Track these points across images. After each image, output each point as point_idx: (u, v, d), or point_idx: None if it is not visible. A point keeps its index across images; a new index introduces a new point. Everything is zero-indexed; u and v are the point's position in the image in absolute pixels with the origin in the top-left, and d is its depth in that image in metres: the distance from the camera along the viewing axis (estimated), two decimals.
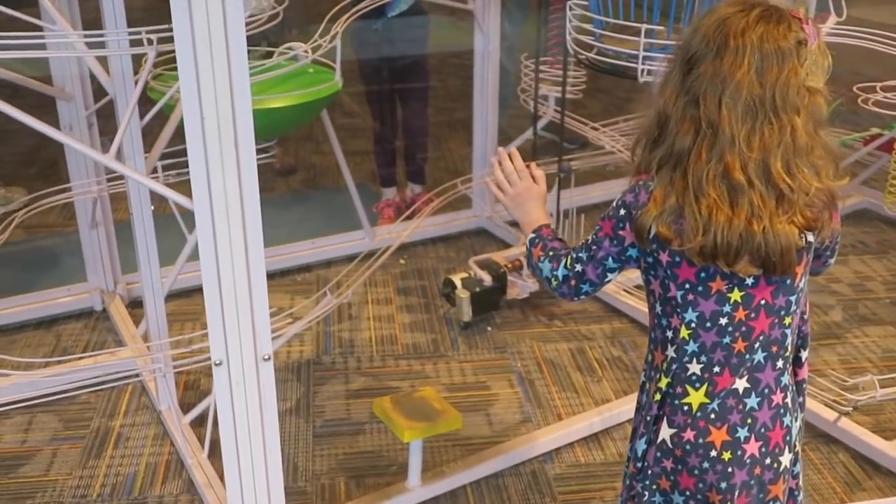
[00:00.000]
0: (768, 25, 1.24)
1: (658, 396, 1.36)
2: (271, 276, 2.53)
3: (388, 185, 3.62)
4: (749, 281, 1.30)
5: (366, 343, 2.80)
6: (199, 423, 2.33)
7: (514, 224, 2.95)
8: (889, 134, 3.23)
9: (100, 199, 2.75)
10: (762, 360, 1.34)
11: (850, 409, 2.27)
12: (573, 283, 1.42)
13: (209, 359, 2.03)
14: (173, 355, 2.19)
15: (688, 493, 1.37)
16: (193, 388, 2.57)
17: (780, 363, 1.35)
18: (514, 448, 2.28)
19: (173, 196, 1.51)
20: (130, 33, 1.90)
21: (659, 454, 1.37)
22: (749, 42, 1.23)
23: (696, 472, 1.35)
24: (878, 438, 2.29)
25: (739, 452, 1.33)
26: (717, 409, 1.33)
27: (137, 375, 2.49)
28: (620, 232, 1.34)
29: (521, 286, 2.94)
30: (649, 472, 1.39)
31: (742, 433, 1.33)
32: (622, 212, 1.33)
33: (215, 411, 1.61)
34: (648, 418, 1.38)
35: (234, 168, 1.44)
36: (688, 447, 1.34)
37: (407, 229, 2.98)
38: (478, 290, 2.82)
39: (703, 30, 1.27)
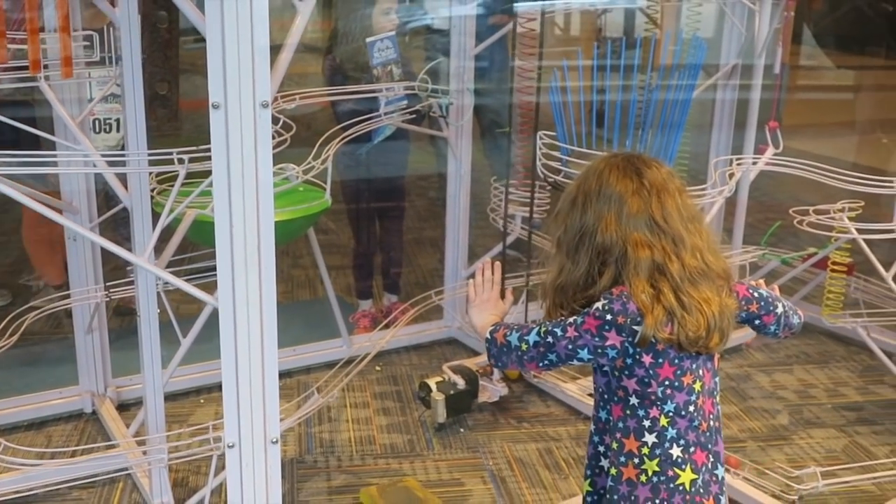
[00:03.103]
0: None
1: (644, 479, 1.56)
2: None
3: (364, 298, 3.83)
4: (701, 371, 1.56)
5: (346, 443, 2.96)
6: None
7: None
8: (822, 252, 3.54)
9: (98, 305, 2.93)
10: (715, 435, 1.59)
11: (796, 498, 2.48)
12: (542, 349, 1.59)
13: (210, 451, 2.21)
14: (172, 447, 2.34)
15: None
16: (182, 485, 2.69)
17: (721, 435, 1.62)
18: None
19: (203, 296, 1.71)
20: (151, 153, 2.13)
21: None
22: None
23: None
24: None
25: None
26: (702, 482, 1.57)
27: (127, 471, 2.62)
28: (605, 333, 1.53)
29: (492, 390, 3.14)
30: None
31: (722, 500, 1.58)
32: (609, 317, 1.53)
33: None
34: (633, 498, 1.57)
35: (256, 271, 1.66)
36: None
37: (385, 336, 3.18)
38: (452, 392, 3.01)
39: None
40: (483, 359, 3.30)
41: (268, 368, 1.71)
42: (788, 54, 3.64)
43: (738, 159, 3.29)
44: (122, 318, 3.69)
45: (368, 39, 3.42)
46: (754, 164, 3.34)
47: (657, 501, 1.55)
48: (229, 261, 1.63)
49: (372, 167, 3.50)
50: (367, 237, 3.78)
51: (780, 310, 1.71)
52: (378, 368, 3.48)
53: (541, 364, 1.62)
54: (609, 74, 3.01)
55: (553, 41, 3.16)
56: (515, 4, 3.25)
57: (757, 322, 1.70)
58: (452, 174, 3.63)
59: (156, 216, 2.45)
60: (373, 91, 3.25)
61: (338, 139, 2.95)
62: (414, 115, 3.34)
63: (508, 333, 1.66)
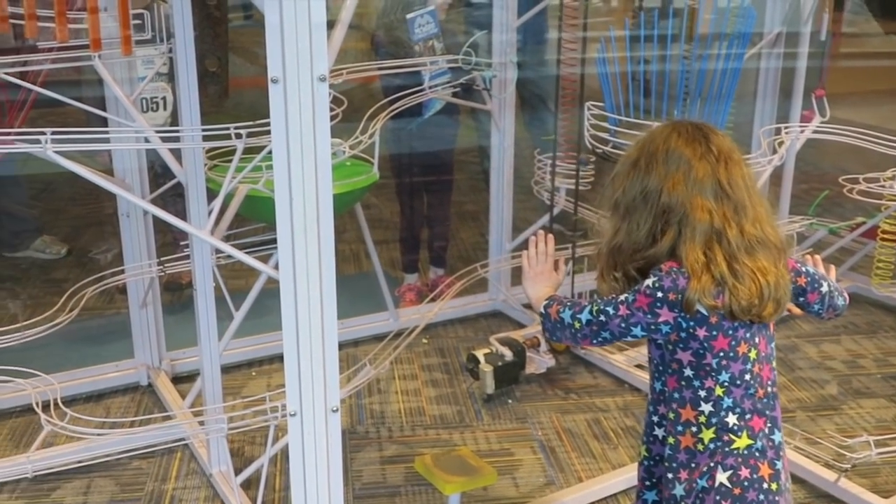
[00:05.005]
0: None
1: (702, 447, 1.58)
2: None
3: (410, 271, 3.87)
4: (756, 339, 1.57)
5: (396, 414, 3.00)
6: (245, 487, 2.51)
7: (529, 306, 3.19)
8: (872, 221, 3.50)
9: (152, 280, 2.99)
10: (772, 401, 1.60)
11: (849, 467, 2.48)
12: (595, 328, 1.61)
13: (267, 421, 2.26)
14: (230, 417, 2.39)
15: None
16: (237, 454, 2.75)
17: (779, 400, 1.63)
18: None
19: (263, 268, 1.75)
20: (206, 129, 2.17)
21: (718, 497, 1.56)
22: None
23: None
24: (877, 497, 2.48)
25: (780, 481, 1.58)
26: (759, 447, 1.57)
27: (185, 441, 2.68)
28: (657, 310, 1.54)
29: (539, 362, 3.16)
30: None
31: (779, 465, 1.58)
32: (660, 294, 1.54)
33: (266, 473, 1.80)
34: (693, 465, 1.59)
35: (315, 243, 1.69)
36: (745, 483, 1.56)
37: (433, 309, 3.21)
38: (500, 364, 3.04)
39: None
40: (530, 330, 3.33)
41: (328, 338, 1.75)
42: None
43: (785, 128, 3.26)
44: (173, 294, 3.75)
45: (409, 15, 3.44)
46: (801, 132, 3.31)
47: (712, 464, 1.57)
48: (289, 233, 1.67)
49: (420, 141, 3.52)
50: (413, 211, 3.80)
51: (824, 289, 1.71)
52: (425, 341, 3.52)
53: (594, 341, 1.64)
54: (652, 45, 2.99)
55: (593, 12, 3.13)
56: None
57: (801, 299, 1.70)
58: (496, 147, 3.64)
59: (209, 192, 2.50)
60: (416, 66, 3.27)
61: (384, 113, 2.97)
62: (458, 89, 3.35)
63: (562, 310, 1.67)
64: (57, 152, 1.89)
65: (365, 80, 3.53)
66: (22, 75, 2.49)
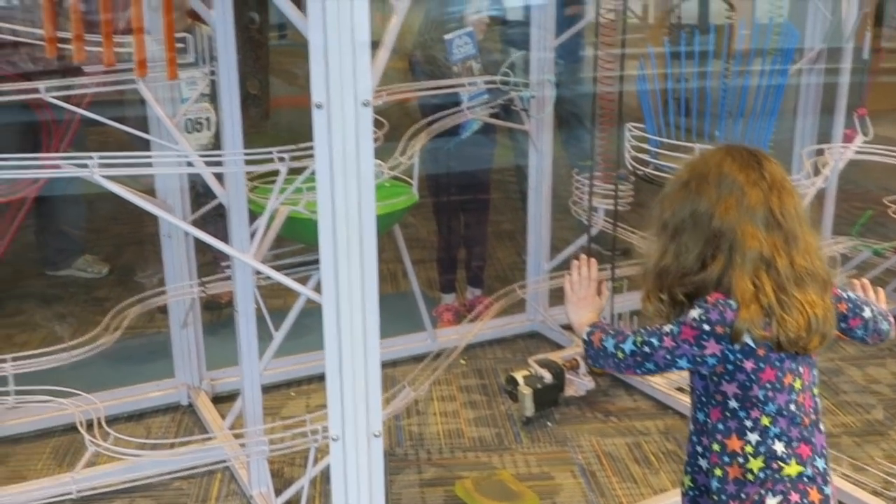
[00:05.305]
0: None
1: (751, 477, 1.55)
2: None
3: (448, 291, 3.86)
4: (801, 369, 1.56)
5: (434, 436, 2.99)
6: None
7: (568, 327, 3.17)
8: None
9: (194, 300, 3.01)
10: (815, 429, 1.58)
11: None
12: (639, 359, 1.59)
13: (308, 443, 2.25)
14: (271, 439, 2.39)
15: None
16: (277, 475, 2.75)
17: (822, 426, 1.61)
18: None
19: (306, 291, 1.75)
20: (248, 153, 2.19)
21: None
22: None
23: None
24: None
25: None
26: (808, 474, 1.55)
27: (226, 462, 2.69)
28: (704, 342, 1.53)
29: (578, 384, 3.13)
30: None
31: (827, 491, 1.56)
32: (706, 326, 1.52)
33: (307, 495, 1.80)
34: (743, 496, 1.56)
35: (358, 266, 1.69)
36: None
37: (472, 330, 3.20)
38: (539, 386, 3.01)
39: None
40: (569, 352, 3.30)
41: (370, 363, 1.74)
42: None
43: (828, 148, 3.21)
44: (211, 313, 3.78)
45: (447, 36, 3.45)
46: (844, 152, 3.26)
47: (762, 492, 1.54)
48: (332, 257, 1.67)
49: (457, 161, 3.52)
50: (451, 231, 3.80)
51: (867, 314, 1.68)
52: (463, 362, 3.50)
53: (639, 371, 1.63)
54: (693, 62, 2.96)
55: (629, 29, 3.12)
56: None
57: (843, 325, 1.67)
58: (533, 167, 3.63)
59: (249, 212, 2.51)
60: (455, 86, 3.27)
61: (423, 133, 2.98)
62: (496, 109, 3.35)
63: (605, 338, 1.66)
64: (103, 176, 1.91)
65: (402, 100, 3.55)
66: (66, 97, 2.52)
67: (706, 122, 2.54)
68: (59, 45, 2.24)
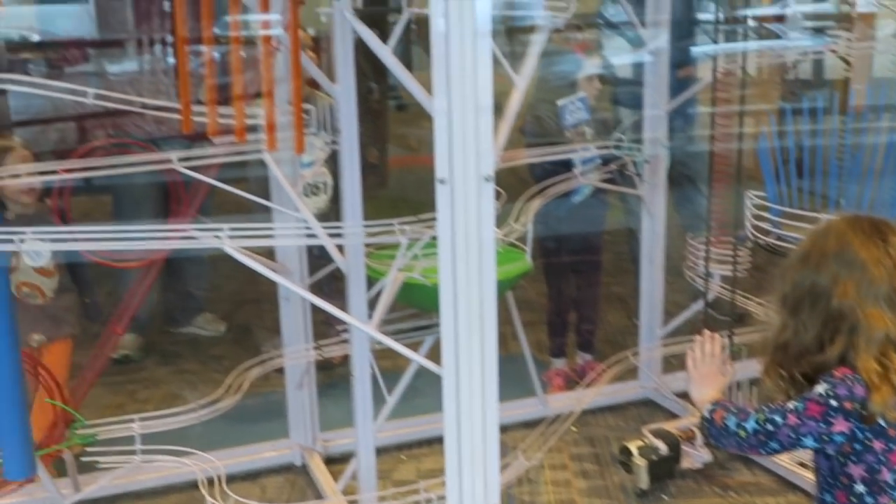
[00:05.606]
0: None
1: None
2: None
3: (558, 356, 3.83)
4: None
5: None
6: None
7: (683, 395, 3.10)
8: None
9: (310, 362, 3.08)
10: None
11: None
12: (762, 437, 1.54)
13: None
14: None
15: None
16: None
17: None
18: None
19: (426, 362, 1.77)
20: (369, 224, 2.24)
21: None
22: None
23: None
24: None
25: None
26: None
27: None
28: (831, 419, 1.47)
29: (695, 456, 3.04)
30: None
31: None
32: (834, 402, 1.46)
33: None
34: None
35: (478, 338, 1.70)
36: None
37: (586, 397, 3.15)
38: (654, 458, 2.94)
39: None
40: (684, 422, 3.21)
41: (489, 434, 1.74)
42: None
43: None
44: (324, 373, 3.84)
45: (560, 102, 3.48)
46: None
47: None
48: (453, 329, 1.68)
49: (569, 224, 3.52)
50: (561, 294, 3.78)
51: None
52: (574, 429, 3.44)
53: (762, 451, 1.58)
54: (816, 120, 2.88)
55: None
56: (704, 50, 3.19)
57: None
58: (647, 232, 3.59)
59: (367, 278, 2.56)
60: (569, 151, 3.28)
61: (537, 199, 2.99)
62: (610, 174, 3.34)
63: (726, 416, 1.61)
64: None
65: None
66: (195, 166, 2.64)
67: (831, 186, 2.46)
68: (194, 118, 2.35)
